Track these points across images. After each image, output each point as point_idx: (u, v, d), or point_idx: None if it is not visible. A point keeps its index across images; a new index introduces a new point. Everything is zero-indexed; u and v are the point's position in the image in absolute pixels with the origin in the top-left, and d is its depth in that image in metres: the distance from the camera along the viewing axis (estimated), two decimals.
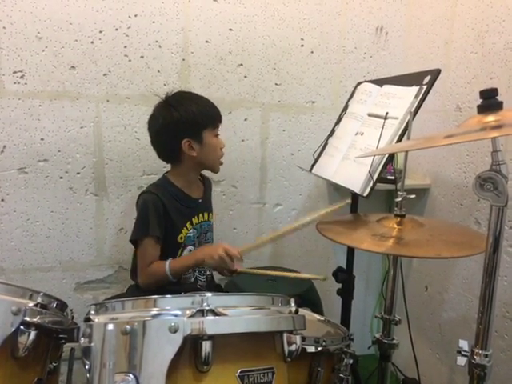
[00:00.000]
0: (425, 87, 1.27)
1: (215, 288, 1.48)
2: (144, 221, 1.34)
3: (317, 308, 1.59)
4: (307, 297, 1.60)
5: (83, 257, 1.75)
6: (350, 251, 1.55)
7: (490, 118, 0.87)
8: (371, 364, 1.78)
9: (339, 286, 1.58)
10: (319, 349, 1.03)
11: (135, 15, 1.66)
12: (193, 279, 1.43)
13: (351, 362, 1.09)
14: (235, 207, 1.90)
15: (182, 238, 1.39)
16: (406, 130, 1.23)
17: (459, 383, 1.62)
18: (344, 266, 1.58)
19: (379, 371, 1.27)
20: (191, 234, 1.41)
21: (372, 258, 2.07)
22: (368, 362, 1.79)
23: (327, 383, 1.07)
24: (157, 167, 1.74)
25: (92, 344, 0.70)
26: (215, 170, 1.47)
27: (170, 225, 1.36)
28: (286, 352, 0.78)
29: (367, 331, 2.11)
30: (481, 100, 0.93)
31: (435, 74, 1.27)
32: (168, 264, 1.30)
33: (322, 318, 1.31)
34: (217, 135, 1.41)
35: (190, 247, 1.41)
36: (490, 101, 0.91)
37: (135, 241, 1.38)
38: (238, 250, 1.30)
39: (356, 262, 1.56)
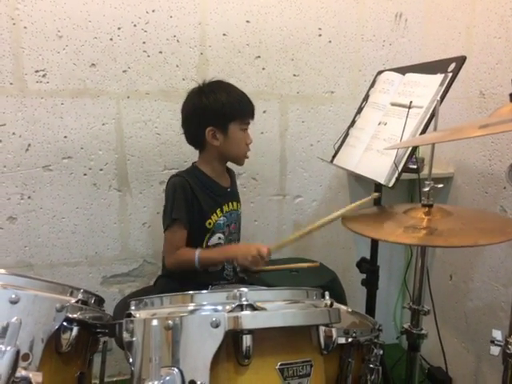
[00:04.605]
0: (450, 75, 1.25)
1: (240, 281, 1.50)
2: (172, 205, 1.36)
3: (340, 299, 1.59)
4: (330, 288, 1.59)
5: (108, 251, 1.78)
6: (374, 242, 1.55)
7: None
8: (396, 353, 1.79)
9: (361, 276, 1.58)
10: (349, 340, 1.03)
11: (153, 10, 1.66)
12: (219, 267, 1.44)
13: (381, 352, 1.09)
14: (256, 199, 1.90)
15: (210, 223, 1.40)
16: (431, 119, 1.22)
17: (486, 372, 1.61)
18: (366, 257, 1.58)
19: (407, 361, 1.27)
20: (221, 222, 1.42)
21: (394, 248, 2.06)
22: (393, 351, 1.80)
23: (357, 374, 1.08)
24: (178, 162, 1.76)
25: (134, 339, 0.72)
26: (239, 163, 1.48)
27: (197, 209, 1.37)
28: (323, 345, 0.78)
29: (390, 321, 2.11)
30: (511, 87, 0.92)
31: (460, 61, 1.25)
32: (197, 255, 1.32)
33: (347, 309, 1.32)
34: (245, 129, 1.41)
35: (219, 234, 1.42)
36: None
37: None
38: (269, 248, 1.30)
39: (378, 252, 1.56)
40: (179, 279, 1.38)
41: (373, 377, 1.08)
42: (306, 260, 1.85)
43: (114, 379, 1.75)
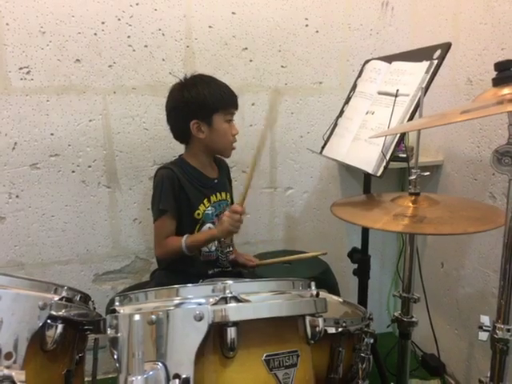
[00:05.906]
0: (436, 62, 1.24)
1: (237, 274, 1.50)
2: (159, 196, 1.37)
3: (333, 289, 1.60)
4: (323, 279, 1.61)
5: (99, 248, 1.77)
6: (365, 231, 1.55)
7: (506, 91, 0.85)
8: (389, 342, 1.79)
9: (354, 266, 1.59)
10: (340, 330, 1.04)
11: (137, 4, 1.64)
12: (214, 257, 1.45)
13: (372, 341, 1.10)
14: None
15: (199, 214, 1.41)
16: (417, 106, 1.21)
17: (478, 358, 1.62)
18: (358, 247, 1.58)
19: (399, 349, 1.27)
20: (210, 212, 1.43)
21: (386, 237, 2.06)
22: (386, 339, 1.81)
23: (348, 363, 1.08)
24: (167, 157, 1.74)
25: (119, 334, 0.71)
26: (225, 155, 1.48)
27: (185, 199, 1.38)
28: (309, 335, 0.79)
29: (384, 309, 2.12)
30: (495, 72, 0.91)
31: (446, 47, 1.24)
32: (184, 239, 1.32)
33: (339, 299, 1.32)
34: (229, 121, 1.41)
35: (210, 225, 1.42)
36: (505, 73, 0.89)
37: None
38: (239, 206, 1.32)
39: (370, 241, 1.57)
40: (176, 271, 1.39)
41: (364, 365, 1.09)
42: (296, 252, 1.85)
43: (110, 376, 1.75)
